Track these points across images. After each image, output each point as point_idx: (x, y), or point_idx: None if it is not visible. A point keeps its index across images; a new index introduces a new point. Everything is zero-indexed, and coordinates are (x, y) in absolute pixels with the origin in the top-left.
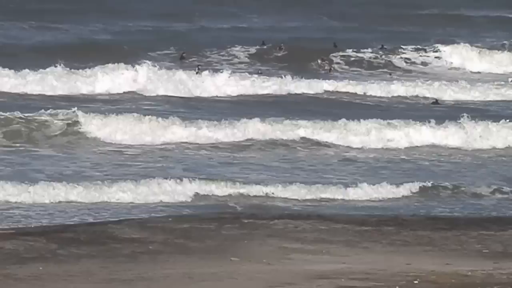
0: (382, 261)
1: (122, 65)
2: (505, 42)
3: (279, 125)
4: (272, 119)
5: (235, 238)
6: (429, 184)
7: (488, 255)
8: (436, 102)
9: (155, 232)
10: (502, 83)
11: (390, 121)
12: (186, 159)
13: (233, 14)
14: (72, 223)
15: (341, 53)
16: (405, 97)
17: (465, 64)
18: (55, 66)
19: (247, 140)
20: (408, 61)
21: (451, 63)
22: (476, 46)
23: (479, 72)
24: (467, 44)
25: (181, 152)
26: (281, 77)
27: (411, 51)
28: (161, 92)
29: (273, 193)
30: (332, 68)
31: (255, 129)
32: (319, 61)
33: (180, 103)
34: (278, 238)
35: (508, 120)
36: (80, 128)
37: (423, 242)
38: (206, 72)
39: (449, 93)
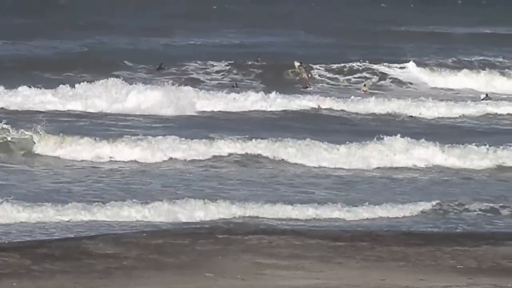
0: (357, 277)
1: (100, 81)
2: (475, 59)
3: (251, 143)
4: (240, 137)
5: (210, 254)
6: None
7: (462, 270)
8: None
9: (129, 248)
10: (469, 102)
11: (366, 142)
12: (162, 176)
13: (211, 29)
14: (46, 238)
15: (319, 66)
16: (380, 114)
17: (437, 80)
18: (29, 86)
19: (217, 157)
20: (383, 77)
21: (425, 80)
22: (446, 65)
23: (451, 89)
24: (439, 61)
25: (158, 169)
26: (259, 92)
27: (387, 67)
28: (138, 108)
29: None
30: (310, 75)
31: (225, 147)
32: (296, 64)
33: (160, 120)
34: (253, 254)
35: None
36: (36, 147)
37: (398, 258)
38: (185, 88)
39: (424, 109)
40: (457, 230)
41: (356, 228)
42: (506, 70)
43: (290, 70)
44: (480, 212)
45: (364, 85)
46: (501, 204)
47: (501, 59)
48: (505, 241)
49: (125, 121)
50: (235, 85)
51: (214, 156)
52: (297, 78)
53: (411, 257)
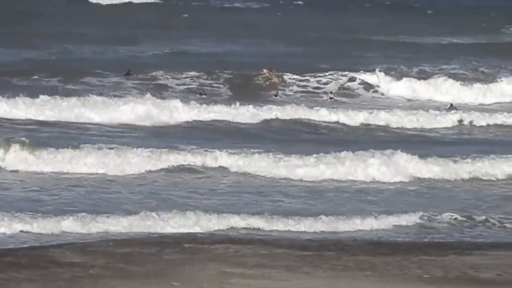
0: (323, 286)
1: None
2: (441, 68)
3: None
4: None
5: (176, 263)
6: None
7: (429, 280)
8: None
9: (96, 256)
10: (438, 112)
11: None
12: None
13: (181, 38)
14: (13, 247)
15: (287, 74)
16: (349, 124)
17: (404, 90)
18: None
19: (184, 166)
20: (350, 85)
21: (392, 89)
22: (413, 75)
23: (418, 99)
24: (407, 71)
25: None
26: (229, 102)
27: (354, 76)
28: (105, 119)
29: (259, 227)
30: (280, 79)
31: (191, 157)
32: (264, 71)
33: (129, 130)
34: (219, 263)
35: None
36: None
37: (364, 267)
38: (157, 100)
39: (393, 119)
40: (424, 240)
41: (323, 237)
42: (472, 80)
43: (260, 76)
44: (460, 222)
45: (331, 92)
46: (478, 214)
47: (466, 71)
48: (472, 251)
49: (93, 131)
50: (203, 92)
51: (181, 166)
52: (267, 82)
53: (378, 267)
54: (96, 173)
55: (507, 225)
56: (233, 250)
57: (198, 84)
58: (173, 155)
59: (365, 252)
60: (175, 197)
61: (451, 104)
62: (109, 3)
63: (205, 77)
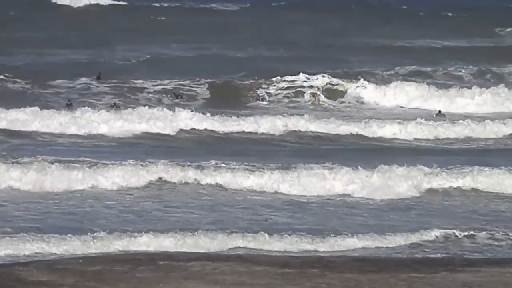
0: None
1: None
2: (431, 70)
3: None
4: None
5: (150, 281)
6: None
7: None
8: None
9: (65, 275)
10: (425, 121)
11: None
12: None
13: (158, 42)
14: None
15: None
16: (334, 134)
17: (391, 97)
18: None
19: (161, 181)
20: (335, 92)
21: (378, 96)
22: (401, 81)
23: (404, 106)
24: (394, 76)
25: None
26: (214, 113)
27: (339, 80)
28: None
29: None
30: (264, 81)
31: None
32: (250, 81)
33: (104, 141)
34: (196, 281)
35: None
36: None
37: (350, 285)
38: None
39: (381, 128)
40: (414, 256)
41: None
42: (464, 86)
43: (245, 81)
44: (451, 238)
45: (313, 96)
46: (472, 229)
47: (457, 76)
48: (465, 267)
49: (64, 143)
50: (180, 96)
51: (159, 180)
52: (250, 82)
53: (364, 285)
54: (72, 189)
55: (501, 240)
56: (210, 267)
57: (174, 86)
58: (151, 169)
59: (351, 269)
60: (154, 211)
61: (440, 111)
62: (76, 5)
63: (182, 81)
